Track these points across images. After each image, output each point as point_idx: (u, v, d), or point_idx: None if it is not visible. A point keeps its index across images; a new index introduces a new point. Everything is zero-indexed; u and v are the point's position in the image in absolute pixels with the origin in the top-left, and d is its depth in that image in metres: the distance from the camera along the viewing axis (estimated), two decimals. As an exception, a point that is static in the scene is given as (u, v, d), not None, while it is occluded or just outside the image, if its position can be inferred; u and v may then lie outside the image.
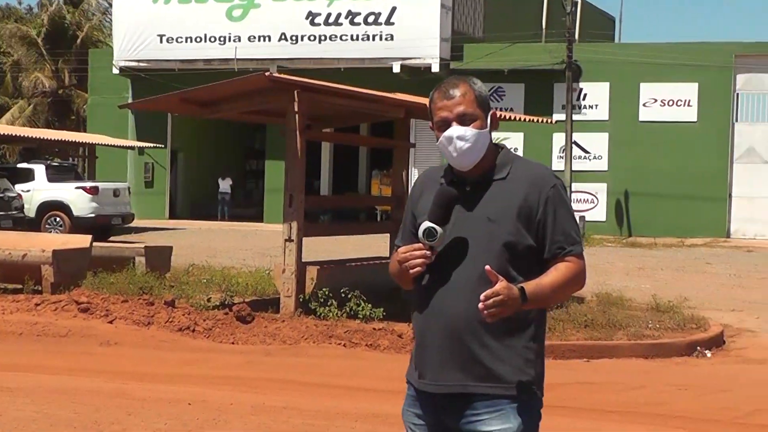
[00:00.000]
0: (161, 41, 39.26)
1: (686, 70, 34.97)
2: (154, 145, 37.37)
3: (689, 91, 35.21)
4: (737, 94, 35.28)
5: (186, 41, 39.03)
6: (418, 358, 4.11)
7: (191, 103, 15.17)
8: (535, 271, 3.99)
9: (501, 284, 3.81)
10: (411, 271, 3.97)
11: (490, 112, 4.09)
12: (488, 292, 3.80)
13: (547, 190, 4.02)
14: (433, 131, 4.11)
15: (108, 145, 35.30)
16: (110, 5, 45.00)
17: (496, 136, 35.06)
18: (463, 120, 4.03)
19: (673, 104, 35.41)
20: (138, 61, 39.63)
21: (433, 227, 3.94)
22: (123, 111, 36.23)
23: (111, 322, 13.37)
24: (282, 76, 15.41)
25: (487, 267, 3.83)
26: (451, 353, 3.98)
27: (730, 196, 35.09)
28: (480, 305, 3.79)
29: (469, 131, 4.01)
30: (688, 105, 35.28)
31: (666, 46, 36.06)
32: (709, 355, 12.89)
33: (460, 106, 4.03)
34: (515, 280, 3.91)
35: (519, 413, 3.99)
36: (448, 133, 4.04)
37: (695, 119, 35.22)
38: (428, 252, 3.95)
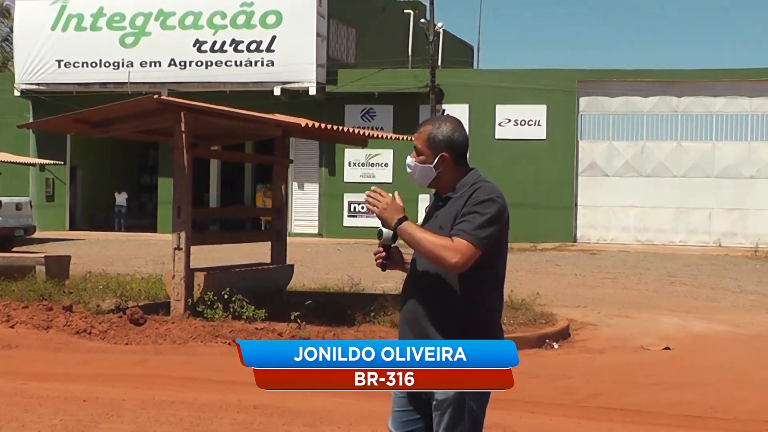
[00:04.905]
0: (59, 66, 38.55)
1: (536, 94, 35.54)
2: (54, 162, 36.68)
3: (539, 112, 35.79)
4: (581, 115, 35.96)
5: (82, 66, 38.38)
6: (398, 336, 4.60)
7: (84, 123, 14.90)
8: (478, 272, 4.36)
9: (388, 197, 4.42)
10: (376, 263, 4.60)
11: (440, 154, 4.48)
12: (378, 192, 4.42)
13: (474, 199, 4.40)
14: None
15: (11, 162, 34.42)
16: (11, 31, 43.96)
17: (368, 152, 34.79)
18: (416, 151, 4.55)
19: (525, 124, 35.94)
20: (38, 84, 38.85)
21: (380, 229, 4.49)
22: (25, 130, 35.51)
23: (12, 327, 13.06)
24: (169, 98, 15.26)
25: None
26: (411, 333, 4.44)
27: (576, 205, 35.75)
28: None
29: (411, 162, 4.57)
30: (538, 124, 35.85)
31: (518, 72, 36.59)
32: (556, 346, 13.12)
33: (416, 140, 4.55)
34: (455, 279, 4.35)
35: None
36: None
37: (544, 137, 35.82)
38: (380, 248, 4.55)
